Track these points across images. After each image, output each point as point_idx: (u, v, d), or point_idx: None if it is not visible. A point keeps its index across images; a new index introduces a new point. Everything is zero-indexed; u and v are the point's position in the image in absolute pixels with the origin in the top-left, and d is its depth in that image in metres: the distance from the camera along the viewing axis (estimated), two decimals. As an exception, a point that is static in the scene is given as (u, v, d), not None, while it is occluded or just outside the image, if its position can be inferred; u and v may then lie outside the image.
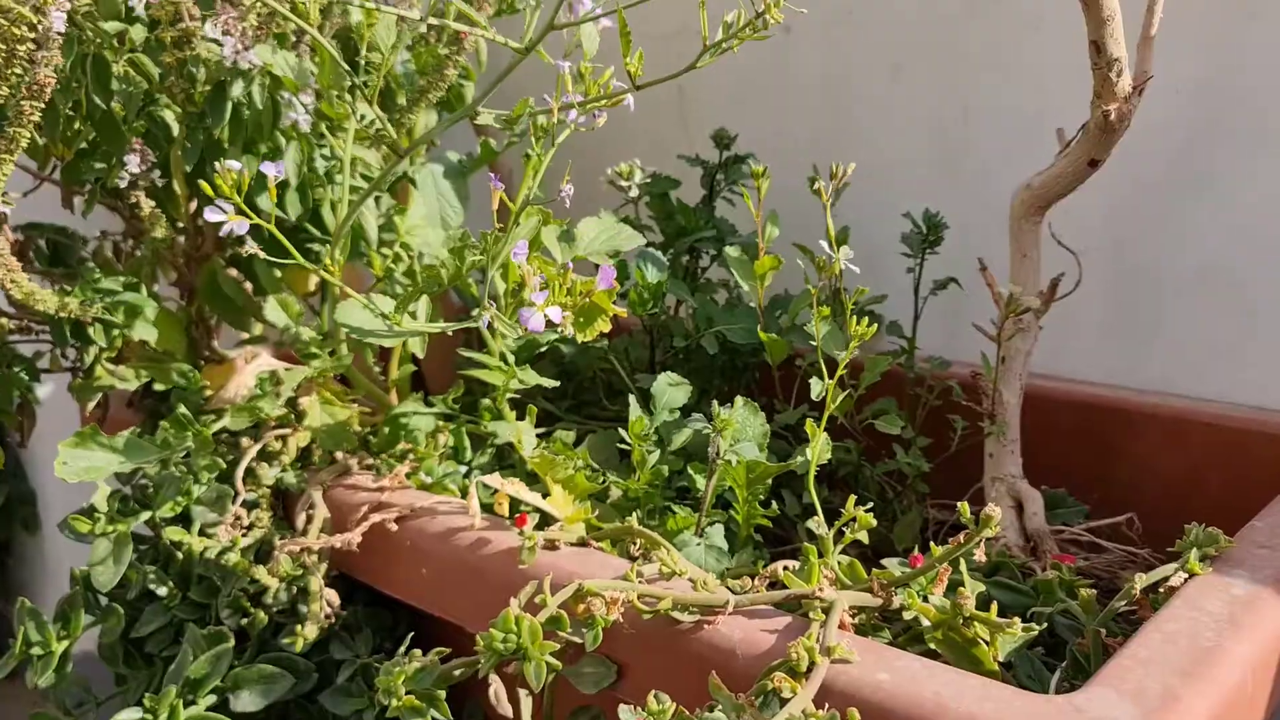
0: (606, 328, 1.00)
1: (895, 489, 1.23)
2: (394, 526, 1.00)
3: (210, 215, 0.82)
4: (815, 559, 0.87)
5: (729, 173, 1.35)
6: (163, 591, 1.11)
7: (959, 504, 0.78)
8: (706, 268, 1.37)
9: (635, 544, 0.92)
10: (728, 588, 0.83)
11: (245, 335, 1.39)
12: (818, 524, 0.89)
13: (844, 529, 0.88)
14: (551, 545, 0.91)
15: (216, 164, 0.82)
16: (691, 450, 1.11)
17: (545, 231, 1.03)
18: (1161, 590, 0.79)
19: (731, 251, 1.17)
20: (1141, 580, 0.79)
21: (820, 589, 0.76)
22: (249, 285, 1.27)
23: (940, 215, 1.19)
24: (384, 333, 0.93)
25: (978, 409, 1.14)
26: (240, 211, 0.84)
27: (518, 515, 0.89)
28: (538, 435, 1.15)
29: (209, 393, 1.24)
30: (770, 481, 0.99)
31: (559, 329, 0.82)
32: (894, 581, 0.80)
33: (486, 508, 1.01)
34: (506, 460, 1.21)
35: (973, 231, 1.28)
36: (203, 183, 0.82)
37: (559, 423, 1.31)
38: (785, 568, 0.88)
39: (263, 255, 0.87)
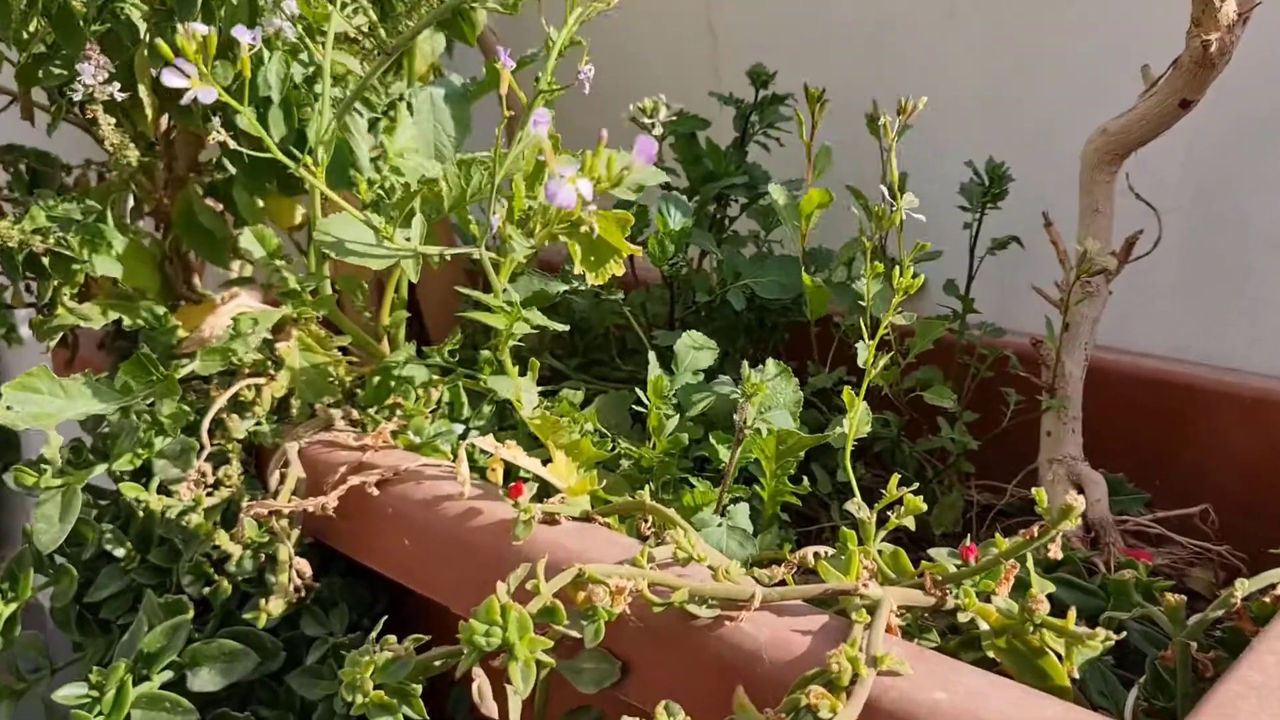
0: (620, 270, 0.88)
1: (935, 467, 1.11)
2: (374, 491, 0.89)
3: (169, 78, 0.70)
4: (854, 546, 0.76)
5: (765, 114, 1.22)
6: (120, 553, 1.00)
7: (1033, 490, 0.67)
8: (735, 218, 1.25)
9: (647, 521, 0.80)
10: (753, 577, 0.71)
11: (233, 274, 1.28)
12: (857, 506, 0.78)
13: (887, 513, 0.76)
14: (550, 519, 0.80)
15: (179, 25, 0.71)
16: (713, 417, 1.00)
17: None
18: (1269, 599, 0.67)
19: (776, 190, 1.04)
20: (1243, 586, 0.67)
21: (863, 584, 0.65)
22: (231, 218, 1.15)
23: (1005, 165, 1.07)
24: (372, 250, 0.81)
25: (1036, 381, 1.02)
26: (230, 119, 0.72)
27: (513, 485, 0.77)
28: (542, 394, 1.04)
29: (183, 334, 1.12)
30: (801, 455, 0.88)
31: (585, 212, 0.70)
32: (950, 578, 0.69)
33: (482, 472, 0.89)
34: (508, 420, 1.10)
35: (1030, 186, 1.15)
36: (160, 42, 0.70)
37: (566, 382, 1.19)
38: (818, 555, 0.77)
39: (244, 153, 0.76)
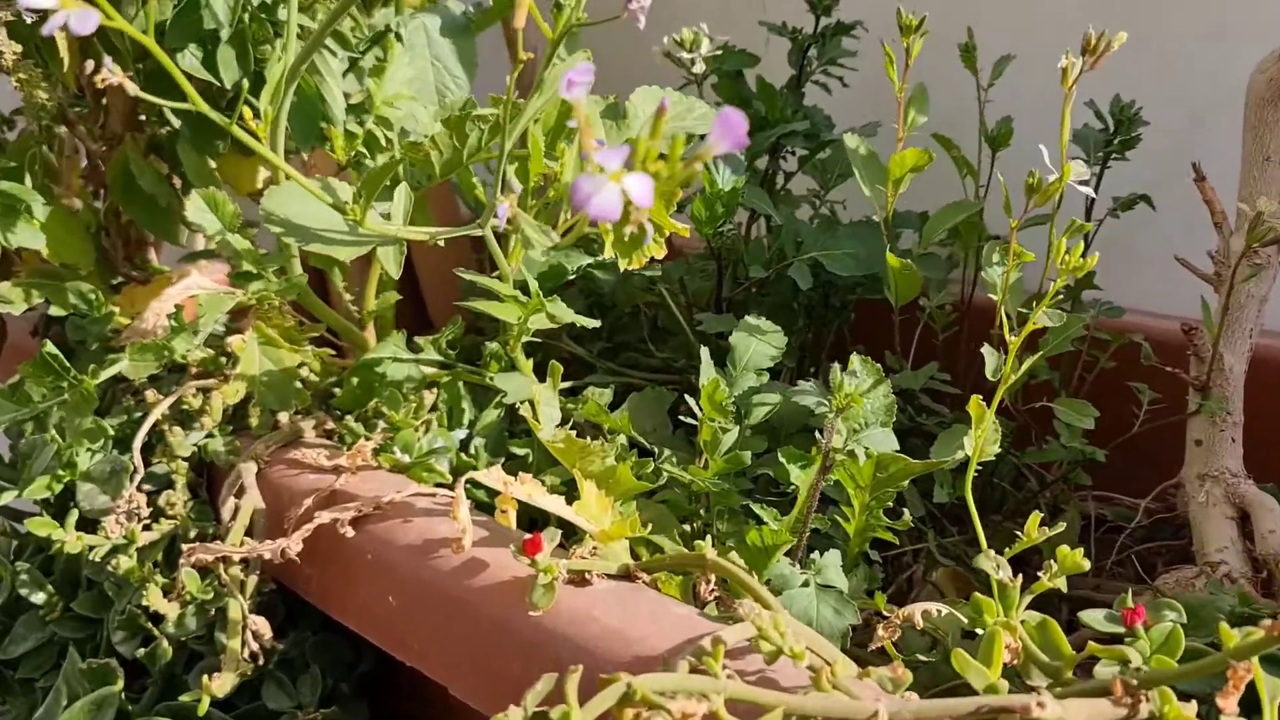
0: (661, 251, 0.68)
1: (1041, 477, 0.91)
2: (349, 531, 0.69)
3: (27, -4, 0.49)
4: (994, 619, 0.56)
5: (827, 47, 1.01)
6: (39, 599, 0.81)
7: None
8: (792, 174, 1.04)
9: (708, 582, 0.60)
10: (867, 673, 0.52)
11: (198, 245, 1.08)
12: (995, 563, 0.58)
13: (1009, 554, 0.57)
14: (579, 579, 0.60)
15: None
16: (776, 423, 0.80)
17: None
18: None
19: (852, 141, 0.84)
20: None
21: (1038, 703, 0.45)
22: (180, 182, 0.95)
23: (1137, 106, 0.86)
24: (336, 236, 0.62)
25: (1175, 374, 0.82)
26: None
27: (528, 538, 0.57)
28: (562, 392, 0.84)
29: (123, 321, 0.93)
30: (905, 484, 0.68)
31: (631, 222, 0.50)
32: (1147, 681, 0.49)
33: (489, 509, 0.70)
34: (520, 424, 0.90)
35: (1159, 135, 0.93)
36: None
37: (590, 374, 0.99)
38: (933, 616, 0.58)
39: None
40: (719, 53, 1.01)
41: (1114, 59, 0.96)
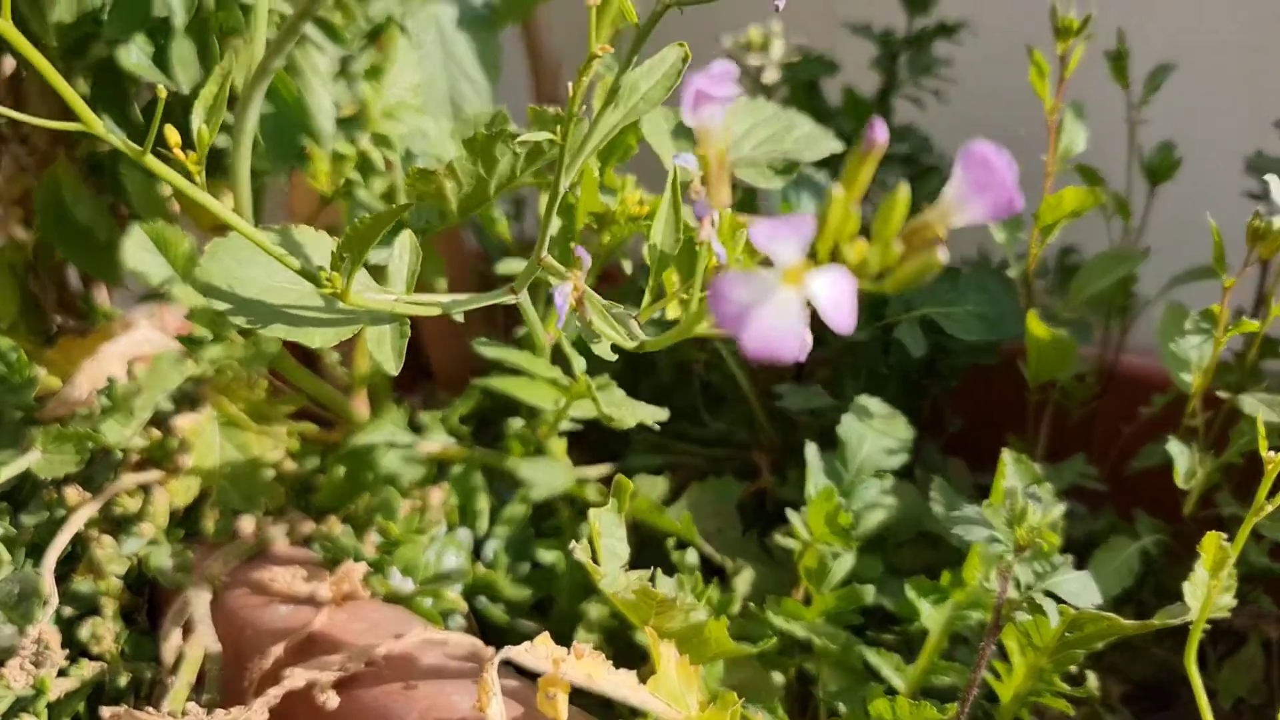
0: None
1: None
2: (331, 700, 0.51)
3: None
4: None
5: (922, 53, 0.84)
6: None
7: None
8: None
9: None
10: None
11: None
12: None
13: None
14: (664, 805, 0.42)
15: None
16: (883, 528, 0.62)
17: (650, 119, 0.53)
18: None
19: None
20: None
21: None
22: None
23: (1348, 125, 0.69)
24: (306, 314, 0.44)
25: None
26: None
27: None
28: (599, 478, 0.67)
29: (57, 384, 0.75)
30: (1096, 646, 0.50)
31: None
32: None
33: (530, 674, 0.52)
34: (549, 518, 0.72)
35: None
36: None
37: (632, 453, 0.82)
38: None
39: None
40: (794, 60, 0.84)
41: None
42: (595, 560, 0.48)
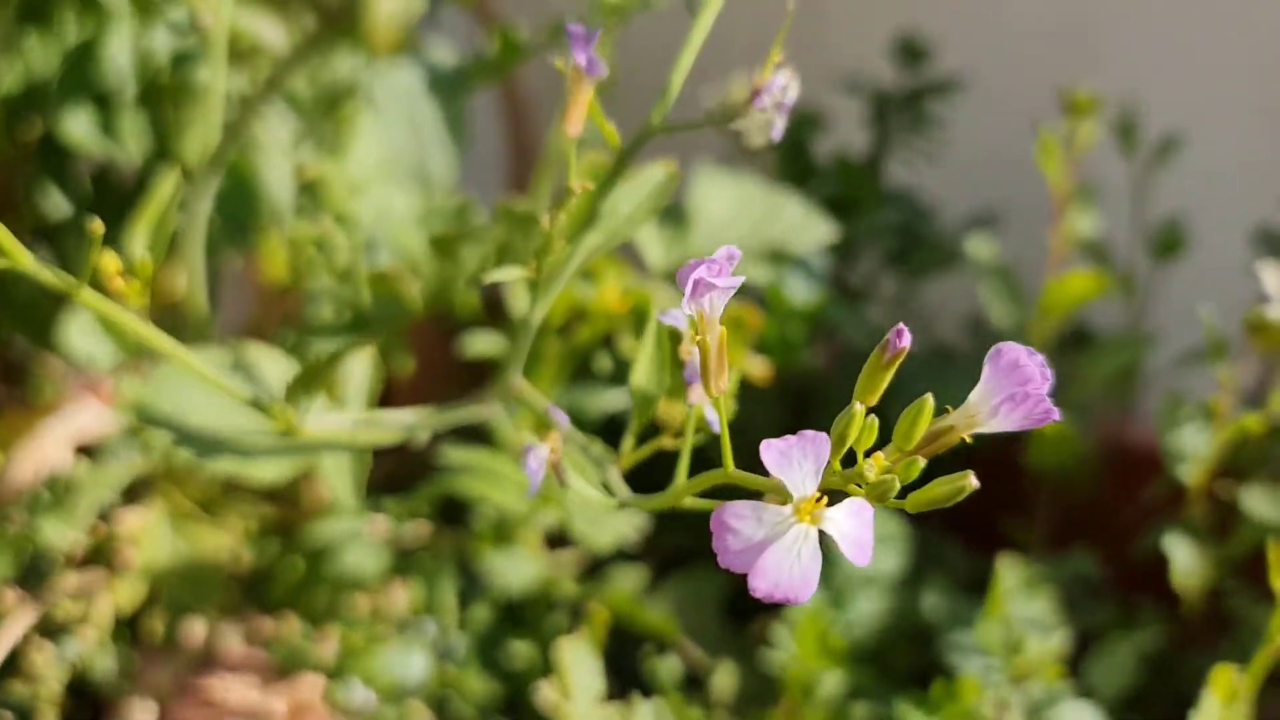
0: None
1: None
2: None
3: None
4: None
5: (917, 111, 0.81)
6: None
7: None
8: (871, 279, 0.83)
9: None
10: None
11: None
12: None
13: None
14: None
15: None
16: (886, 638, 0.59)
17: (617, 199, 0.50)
18: None
19: (981, 249, 0.64)
20: None
21: None
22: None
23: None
24: (256, 445, 0.41)
25: None
26: None
27: None
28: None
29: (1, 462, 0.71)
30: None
31: None
32: None
33: None
34: (519, 618, 0.69)
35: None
36: None
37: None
38: None
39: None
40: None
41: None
42: (565, 691, 0.45)
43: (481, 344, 0.66)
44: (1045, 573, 0.66)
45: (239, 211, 0.61)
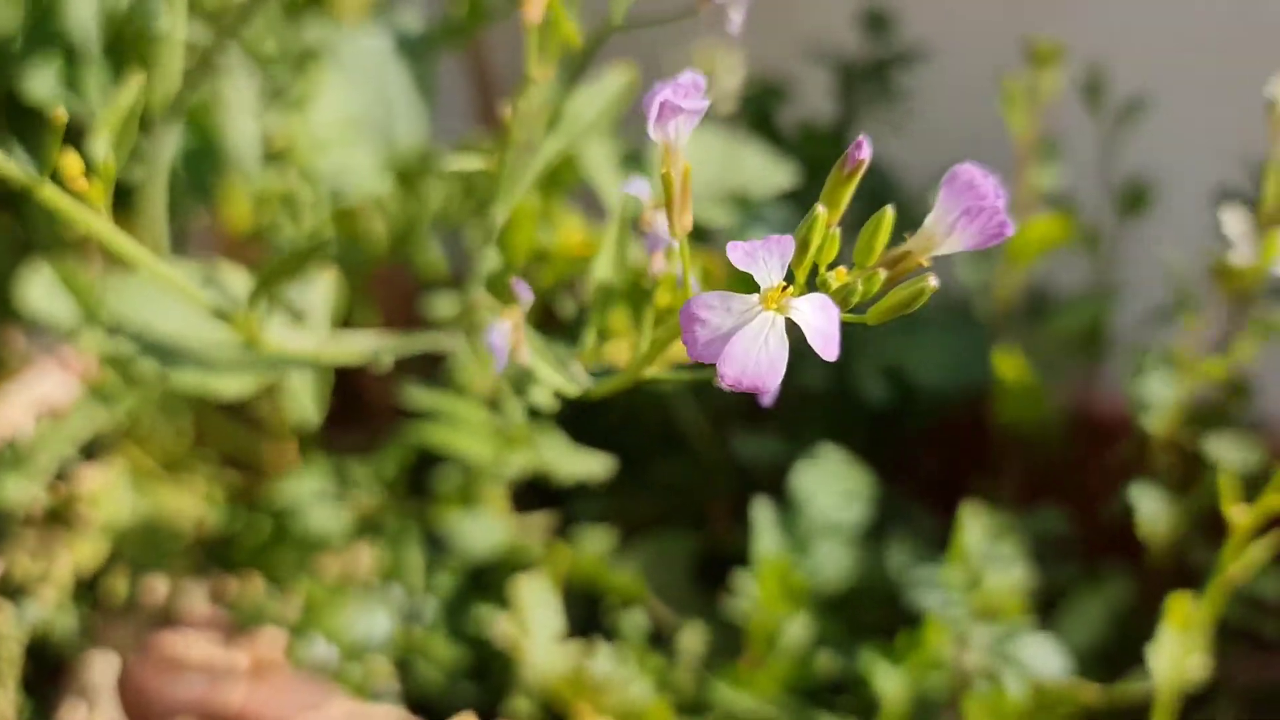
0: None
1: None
2: (244, 784, 0.48)
3: None
4: None
5: (884, 81, 0.83)
6: None
7: None
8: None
9: None
10: None
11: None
12: None
13: None
14: None
15: None
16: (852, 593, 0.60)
17: (592, 150, 0.51)
18: None
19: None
20: None
21: None
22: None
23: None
24: (218, 358, 0.42)
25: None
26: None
27: None
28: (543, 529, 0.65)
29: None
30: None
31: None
32: None
33: None
34: (485, 582, 0.70)
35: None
36: None
37: (578, 501, 0.79)
38: None
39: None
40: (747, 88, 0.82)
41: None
42: (523, 630, 0.46)
43: (445, 306, 0.67)
44: (1012, 524, 0.67)
45: (203, 166, 0.62)
